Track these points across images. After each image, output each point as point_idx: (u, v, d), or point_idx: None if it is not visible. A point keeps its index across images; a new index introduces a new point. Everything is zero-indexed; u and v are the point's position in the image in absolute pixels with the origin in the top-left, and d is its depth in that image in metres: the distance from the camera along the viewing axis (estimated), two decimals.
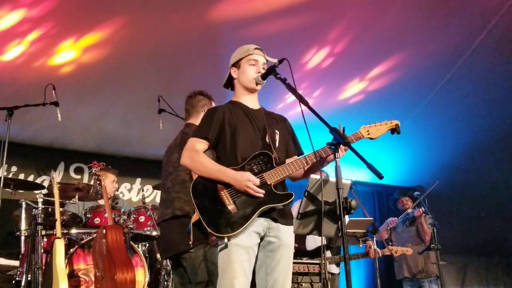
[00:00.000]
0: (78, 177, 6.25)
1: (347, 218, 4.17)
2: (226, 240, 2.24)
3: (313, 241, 4.67)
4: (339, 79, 5.88)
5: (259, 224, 2.32)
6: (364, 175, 7.60)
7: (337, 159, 2.02)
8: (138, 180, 6.63)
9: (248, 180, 2.28)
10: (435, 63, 5.75)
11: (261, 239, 2.37)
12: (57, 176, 5.96)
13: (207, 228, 2.28)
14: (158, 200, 6.54)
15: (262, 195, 2.29)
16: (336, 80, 5.87)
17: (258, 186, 2.30)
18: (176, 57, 5.14)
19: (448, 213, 6.71)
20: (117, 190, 6.25)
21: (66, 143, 6.17)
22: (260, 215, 2.31)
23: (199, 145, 2.46)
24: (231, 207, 2.28)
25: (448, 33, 5.32)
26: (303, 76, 5.62)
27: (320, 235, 2.12)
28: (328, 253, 4.76)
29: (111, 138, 6.16)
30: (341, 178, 1.95)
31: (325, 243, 4.39)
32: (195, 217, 2.36)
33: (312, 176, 2.13)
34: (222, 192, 2.32)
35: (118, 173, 5.18)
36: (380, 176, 1.81)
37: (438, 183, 5.79)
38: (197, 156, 2.41)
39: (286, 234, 2.38)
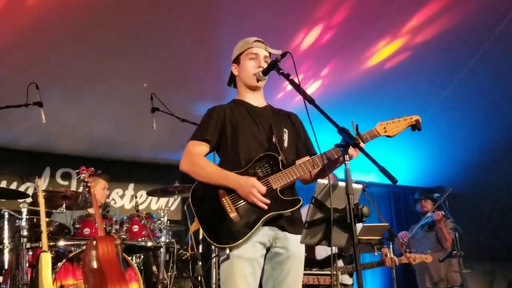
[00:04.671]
0: (66, 183, 6.27)
1: (359, 226, 4.17)
2: (227, 251, 2.25)
3: (323, 250, 4.66)
4: (358, 46, 5.59)
5: (264, 233, 2.31)
6: (378, 176, 7.58)
7: (346, 162, 1.99)
8: (131, 185, 6.64)
9: (252, 187, 2.26)
10: (452, 53, 5.68)
11: (267, 250, 2.36)
12: (42, 183, 5.99)
13: (207, 238, 2.28)
14: (153, 207, 6.61)
15: (266, 207, 2.26)
16: (354, 48, 5.59)
17: (264, 195, 2.27)
18: (170, 50, 5.13)
19: (472, 216, 6.67)
20: (108, 197, 6.27)
21: (52, 146, 6.18)
22: (265, 223, 2.29)
23: (198, 148, 2.45)
24: (233, 215, 2.27)
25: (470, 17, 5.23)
26: (299, 59, 5.39)
27: (329, 245, 2.11)
28: (340, 263, 4.75)
29: (101, 140, 6.17)
30: (351, 182, 1.93)
31: (336, 251, 4.39)
32: (195, 226, 2.37)
33: (320, 181, 2.11)
34: (223, 199, 2.31)
35: (109, 178, 5.19)
36: (394, 181, 1.80)
37: (460, 184, 5.78)
38: (197, 160, 2.41)
39: (295, 244, 2.35)
